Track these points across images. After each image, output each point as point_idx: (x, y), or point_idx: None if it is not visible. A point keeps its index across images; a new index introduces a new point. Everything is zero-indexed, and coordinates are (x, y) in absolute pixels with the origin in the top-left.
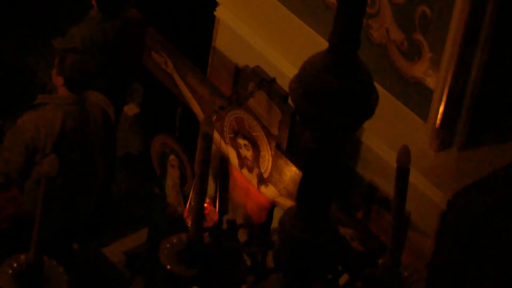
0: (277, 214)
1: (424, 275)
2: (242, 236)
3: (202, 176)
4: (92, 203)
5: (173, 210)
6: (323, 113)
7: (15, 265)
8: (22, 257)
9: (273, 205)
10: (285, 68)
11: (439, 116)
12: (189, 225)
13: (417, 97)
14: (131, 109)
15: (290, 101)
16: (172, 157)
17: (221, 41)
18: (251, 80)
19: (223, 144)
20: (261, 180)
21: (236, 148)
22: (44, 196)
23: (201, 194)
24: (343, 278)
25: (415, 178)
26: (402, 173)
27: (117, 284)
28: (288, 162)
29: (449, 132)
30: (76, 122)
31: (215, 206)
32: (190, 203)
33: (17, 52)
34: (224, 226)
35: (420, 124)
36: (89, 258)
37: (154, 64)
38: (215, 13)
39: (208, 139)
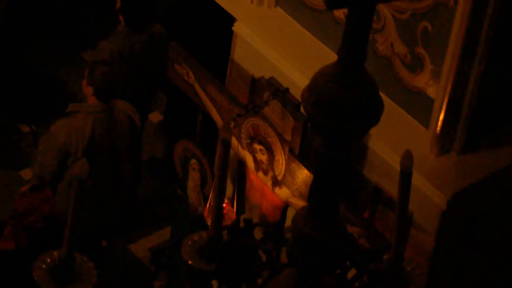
0: (290, 214)
1: (425, 270)
2: (257, 233)
3: (221, 178)
4: (119, 204)
5: (194, 210)
6: (333, 121)
7: (48, 260)
8: (55, 253)
9: (286, 205)
10: (297, 79)
11: (439, 123)
12: (209, 224)
13: (419, 106)
14: (155, 117)
15: (302, 109)
16: (193, 161)
17: (239, 54)
18: (266, 90)
19: (240, 149)
20: (276, 182)
21: (253, 152)
22: (76, 197)
23: (220, 195)
24: (351, 273)
25: (417, 180)
26: (405, 176)
27: (143, 278)
28: (300, 165)
29: (448, 138)
30: (105, 128)
31: (233, 206)
32: (210, 203)
33: (50, 64)
34: (241, 224)
35: (422, 130)
36: (117, 254)
37: (177, 75)
38: (233, 28)
39: (227, 145)
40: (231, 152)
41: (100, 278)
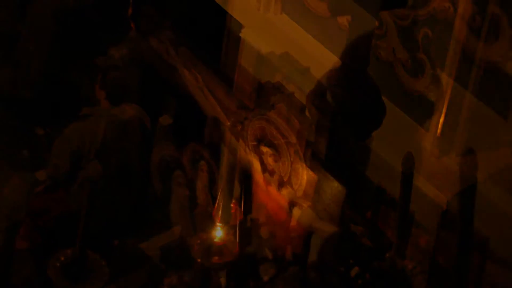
0: (296, 214)
1: (426, 268)
2: (264, 233)
3: (229, 179)
4: (130, 204)
5: (203, 210)
6: (337, 123)
7: (62, 258)
8: (69, 251)
9: (292, 205)
10: (302, 83)
11: (440, 126)
12: (217, 223)
13: (420, 109)
14: (165, 120)
15: (307, 112)
16: (202, 162)
17: (246, 59)
18: (272, 93)
19: (247, 151)
20: (281, 183)
21: (259, 154)
22: (88, 197)
23: (228, 195)
24: (354, 271)
25: (418, 181)
26: (407, 177)
27: (153, 276)
28: (305, 167)
29: (448, 140)
30: (117, 131)
31: (240, 206)
32: (218, 203)
33: (64, 69)
34: (248, 224)
35: (422, 133)
36: (128, 253)
37: (186, 80)
38: (240, 34)
39: (234, 147)
40: (238, 154)
41: (112, 275)
